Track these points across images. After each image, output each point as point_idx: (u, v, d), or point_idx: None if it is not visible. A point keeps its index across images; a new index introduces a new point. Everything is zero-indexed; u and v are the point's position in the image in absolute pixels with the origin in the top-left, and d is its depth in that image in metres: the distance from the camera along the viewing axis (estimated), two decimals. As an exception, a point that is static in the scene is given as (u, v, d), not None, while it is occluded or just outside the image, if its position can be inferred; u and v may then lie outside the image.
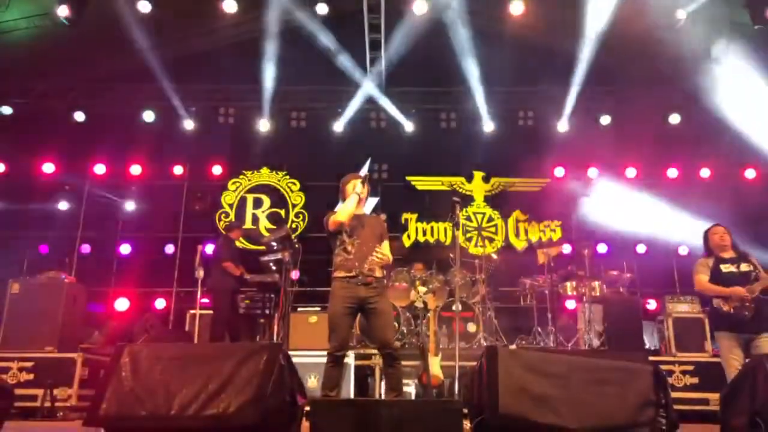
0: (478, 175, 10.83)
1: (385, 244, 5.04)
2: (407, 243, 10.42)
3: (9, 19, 8.67)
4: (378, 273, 4.86)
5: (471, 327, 7.90)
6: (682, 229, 9.88)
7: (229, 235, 8.45)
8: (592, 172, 10.58)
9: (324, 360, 4.80)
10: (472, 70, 9.76)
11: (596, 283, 8.45)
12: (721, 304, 5.39)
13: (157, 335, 7.78)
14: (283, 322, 7.35)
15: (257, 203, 10.79)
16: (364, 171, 5.29)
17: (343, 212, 4.90)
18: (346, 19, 9.53)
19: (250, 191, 10.86)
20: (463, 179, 10.86)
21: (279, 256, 7.80)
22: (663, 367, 4.39)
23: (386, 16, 9.00)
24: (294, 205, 10.76)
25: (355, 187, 4.97)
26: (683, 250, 10.27)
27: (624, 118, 10.50)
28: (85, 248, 10.29)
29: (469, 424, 4.07)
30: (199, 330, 7.73)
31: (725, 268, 5.49)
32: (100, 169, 10.44)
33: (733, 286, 5.33)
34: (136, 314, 9.29)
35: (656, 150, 10.29)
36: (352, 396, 6.37)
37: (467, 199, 10.72)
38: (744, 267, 5.45)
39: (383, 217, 6.90)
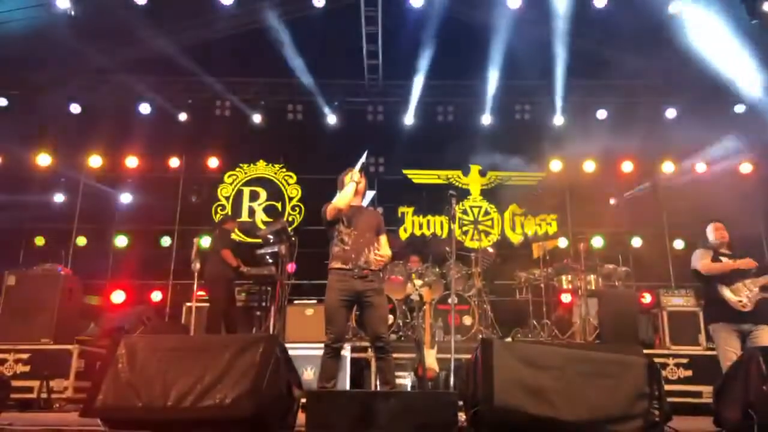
0: (474, 168, 10.85)
1: (384, 239, 5.07)
2: (403, 237, 10.42)
3: (4, 10, 8.60)
4: (374, 266, 4.87)
5: (467, 320, 7.91)
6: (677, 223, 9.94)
7: (224, 226, 8.38)
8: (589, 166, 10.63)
9: (320, 352, 4.80)
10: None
11: (592, 277, 8.50)
12: (727, 295, 5.37)
13: (154, 327, 7.76)
14: (279, 314, 7.38)
15: (254, 196, 10.79)
16: (360, 163, 5.30)
17: (341, 199, 4.91)
18: (343, 12, 9.47)
19: (246, 184, 10.85)
20: (459, 173, 10.89)
21: (275, 249, 7.79)
22: (657, 359, 4.41)
23: (383, 9, 8.96)
24: (290, 198, 10.77)
25: (353, 176, 4.99)
26: (678, 245, 10.36)
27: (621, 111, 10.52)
28: (81, 240, 10.29)
29: (464, 416, 4.10)
30: (196, 323, 7.67)
31: (724, 260, 5.56)
32: (95, 161, 10.39)
33: (735, 279, 5.38)
34: (133, 307, 9.27)
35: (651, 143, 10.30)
36: (348, 388, 6.40)
37: (464, 193, 10.74)
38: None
39: (380, 210, 6.90)
